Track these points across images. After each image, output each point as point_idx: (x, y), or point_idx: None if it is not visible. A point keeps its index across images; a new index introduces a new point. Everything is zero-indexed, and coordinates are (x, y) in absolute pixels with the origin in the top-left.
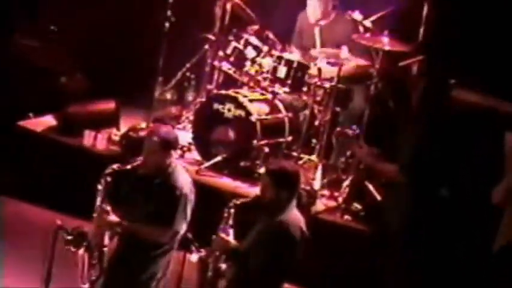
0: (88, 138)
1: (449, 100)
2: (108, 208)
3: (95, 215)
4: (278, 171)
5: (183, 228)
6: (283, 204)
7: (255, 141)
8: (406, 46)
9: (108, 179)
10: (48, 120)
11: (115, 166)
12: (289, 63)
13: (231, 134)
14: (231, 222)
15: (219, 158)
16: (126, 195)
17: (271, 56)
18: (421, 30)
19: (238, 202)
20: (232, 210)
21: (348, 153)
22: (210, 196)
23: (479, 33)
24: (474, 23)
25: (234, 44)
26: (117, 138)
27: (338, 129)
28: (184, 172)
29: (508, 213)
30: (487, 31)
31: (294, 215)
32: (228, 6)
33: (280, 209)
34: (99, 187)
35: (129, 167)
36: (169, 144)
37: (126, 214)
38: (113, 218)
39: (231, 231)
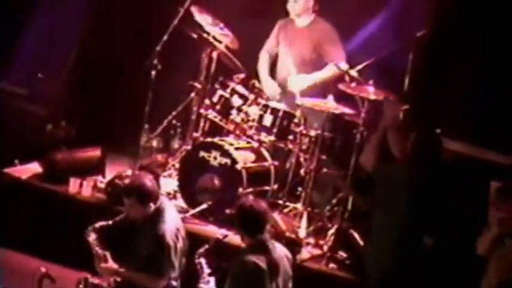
0: (73, 185)
1: (440, 150)
2: (108, 255)
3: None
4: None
5: (172, 276)
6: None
7: (240, 189)
8: (391, 95)
9: (93, 235)
10: (34, 168)
11: (97, 225)
12: (275, 111)
13: (217, 181)
14: (207, 270)
15: (204, 206)
16: (118, 243)
17: (257, 104)
18: (406, 79)
19: (202, 250)
20: (202, 260)
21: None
22: (195, 244)
23: (463, 83)
24: (458, 73)
25: (220, 92)
26: (102, 185)
27: (324, 170)
28: (171, 218)
29: (492, 263)
30: (471, 81)
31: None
32: (214, 54)
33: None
34: (89, 240)
35: (111, 222)
36: (146, 197)
37: (121, 261)
38: (112, 264)
39: (211, 278)
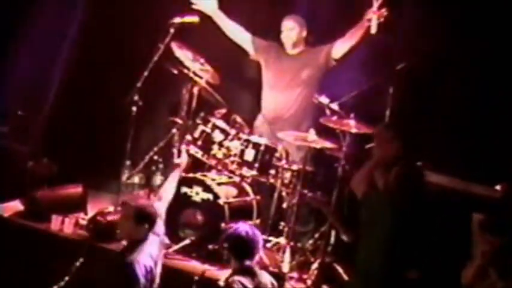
0: (55, 222)
1: (423, 182)
2: None
3: None
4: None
5: None
6: None
7: (223, 225)
8: (373, 129)
9: None
10: (16, 205)
11: None
12: (256, 146)
13: (199, 217)
14: None
15: (187, 241)
16: None
17: (239, 139)
18: (387, 112)
19: None
20: None
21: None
22: (178, 280)
23: (445, 115)
24: (439, 106)
25: (201, 127)
26: (84, 222)
27: (309, 194)
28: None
29: None
30: (452, 113)
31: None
32: (195, 90)
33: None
34: None
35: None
36: (144, 215)
37: None
38: None
39: None
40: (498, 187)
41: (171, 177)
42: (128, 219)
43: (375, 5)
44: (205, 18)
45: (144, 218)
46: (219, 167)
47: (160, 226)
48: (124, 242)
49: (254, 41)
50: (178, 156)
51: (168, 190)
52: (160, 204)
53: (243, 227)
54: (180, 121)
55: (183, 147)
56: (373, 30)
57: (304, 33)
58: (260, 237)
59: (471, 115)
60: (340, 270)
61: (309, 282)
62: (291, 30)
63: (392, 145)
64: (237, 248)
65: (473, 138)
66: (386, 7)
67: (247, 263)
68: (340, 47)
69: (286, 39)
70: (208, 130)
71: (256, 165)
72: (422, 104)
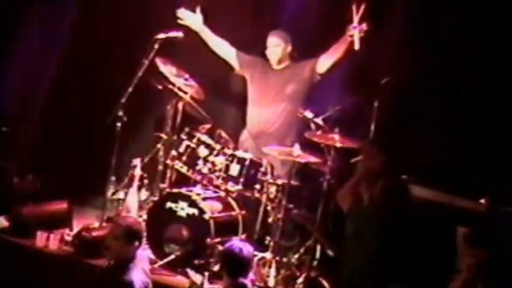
0: (40, 239)
1: (407, 196)
2: None
3: None
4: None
5: None
6: None
7: (208, 239)
8: (357, 143)
9: None
10: (1, 221)
11: None
12: (241, 161)
13: (185, 232)
14: None
15: (172, 257)
16: None
17: (224, 154)
18: (372, 126)
19: None
20: None
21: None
22: None
23: (429, 130)
24: (423, 120)
25: (186, 142)
26: (70, 238)
27: (294, 211)
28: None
29: None
30: (437, 127)
31: None
32: (180, 105)
33: None
34: None
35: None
36: (133, 234)
37: None
38: None
39: None
40: (482, 200)
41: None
42: (117, 239)
43: (355, 19)
44: (191, 33)
45: (134, 237)
46: (204, 182)
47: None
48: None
49: (239, 56)
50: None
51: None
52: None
53: (237, 244)
54: (165, 136)
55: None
56: (356, 46)
57: (289, 49)
58: (253, 253)
59: (456, 129)
60: (326, 284)
61: None
62: (276, 46)
63: (377, 159)
64: (230, 265)
65: (457, 152)
66: (366, 21)
67: (241, 280)
68: (324, 62)
69: (271, 55)
70: (193, 145)
71: (242, 180)
72: (407, 118)
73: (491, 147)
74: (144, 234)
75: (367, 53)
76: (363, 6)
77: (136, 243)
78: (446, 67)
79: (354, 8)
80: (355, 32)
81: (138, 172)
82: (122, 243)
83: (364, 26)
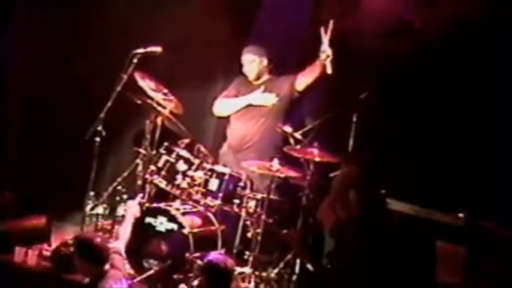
0: (19, 254)
1: (385, 211)
2: None
3: None
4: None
5: None
6: None
7: (188, 254)
8: (336, 157)
9: None
10: None
11: None
12: (220, 175)
13: (164, 247)
14: None
15: (152, 272)
16: None
17: (203, 168)
18: (351, 141)
19: None
20: None
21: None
22: None
23: (407, 144)
24: (402, 134)
25: (165, 157)
26: (48, 253)
27: (284, 231)
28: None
29: None
30: (415, 142)
31: None
32: (159, 120)
33: None
34: None
35: None
36: (86, 253)
37: None
38: None
39: None
40: (461, 215)
41: (127, 221)
42: (75, 260)
43: (325, 43)
44: (168, 48)
45: (86, 254)
46: (184, 197)
47: (119, 261)
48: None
49: (231, 94)
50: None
51: (124, 232)
52: (119, 243)
53: (219, 258)
54: (143, 151)
55: (139, 198)
56: (329, 70)
57: (265, 62)
58: (234, 267)
59: (434, 143)
60: None
61: None
62: (251, 62)
63: (355, 174)
64: (212, 278)
65: (436, 166)
66: (334, 45)
67: None
68: (301, 81)
69: (248, 72)
70: (172, 160)
71: (221, 194)
72: (386, 132)
73: (470, 161)
74: (115, 254)
75: (345, 68)
76: (330, 29)
77: (102, 263)
78: (427, 84)
79: (322, 31)
80: (326, 58)
81: (134, 210)
82: (86, 263)
83: (329, 52)
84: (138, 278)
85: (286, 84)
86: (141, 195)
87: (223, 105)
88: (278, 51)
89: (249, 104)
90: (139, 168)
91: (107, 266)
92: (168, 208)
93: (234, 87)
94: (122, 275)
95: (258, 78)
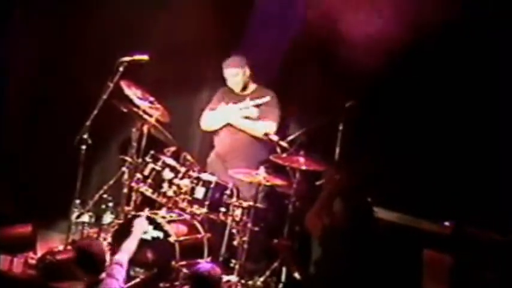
0: (4, 262)
1: (371, 219)
2: None
3: None
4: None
5: None
6: None
7: (174, 262)
8: (322, 165)
9: None
10: None
11: None
12: (207, 183)
13: (150, 255)
14: None
15: (137, 280)
16: None
17: (189, 176)
18: (337, 149)
19: None
20: None
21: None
22: None
23: (394, 153)
24: (388, 143)
25: (151, 165)
26: (34, 262)
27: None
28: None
29: None
30: (402, 151)
31: None
32: (145, 128)
33: None
34: None
35: None
36: (82, 261)
37: None
38: None
39: None
40: (447, 223)
41: (134, 236)
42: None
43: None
44: (155, 56)
45: (85, 262)
46: (170, 205)
47: (119, 271)
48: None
49: (216, 105)
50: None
51: (130, 246)
52: (123, 255)
53: (205, 266)
54: (129, 159)
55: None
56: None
57: (248, 72)
58: (221, 275)
59: (421, 152)
60: None
61: None
62: (235, 76)
63: (341, 182)
64: (199, 287)
65: (423, 175)
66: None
67: None
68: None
69: (233, 85)
70: (158, 168)
71: (207, 202)
72: (372, 141)
73: (456, 170)
74: (113, 262)
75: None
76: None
77: (98, 272)
78: (414, 92)
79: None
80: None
81: (143, 226)
82: (82, 271)
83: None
84: (125, 287)
85: (270, 95)
86: (147, 209)
87: (210, 120)
88: (264, 60)
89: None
90: (125, 176)
91: (103, 275)
92: (154, 216)
93: (219, 98)
94: (118, 285)
95: (244, 89)
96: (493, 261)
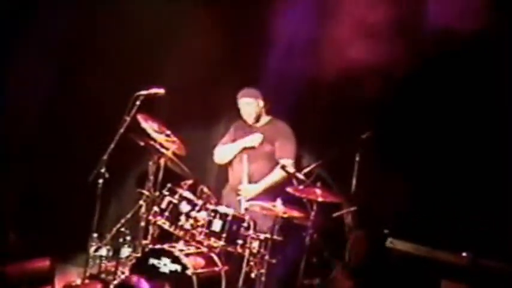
0: None
1: (384, 250)
2: None
3: None
4: None
5: None
6: None
7: None
8: (339, 197)
9: None
10: None
11: None
12: (224, 216)
13: None
14: None
15: None
16: None
17: (206, 209)
18: (353, 181)
19: None
20: None
21: None
22: None
23: (410, 184)
24: (403, 174)
25: (168, 198)
26: None
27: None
28: None
29: None
30: (417, 182)
31: None
32: (162, 161)
33: None
34: None
35: None
36: None
37: None
38: None
39: None
40: (464, 254)
41: None
42: None
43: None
44: (171, 90)
45: None
46: (187, 238)
47: None
48: None
49: (228, 141)
50: None
51: None
52: None
53: None
54: (147, 192)
55: None
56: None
57: (262, 103)
58: None
59: (437, 182)
60: None
61: None
62: (248, 105)
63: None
64: None
65: (439, 206)
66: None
67: None
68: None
69: (246, 116)
70: (175, 201)
71: (224, 235)
72: (388, 172)
73: (473, 201)
74: None
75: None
76: None
77: None
78: (426, 121)
79: None
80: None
81: None
82: None
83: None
84: None
85: (284, 129)
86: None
87: (221, 153)
88: (280, 94)
89: (243, 147)
90: (143, 209)
91: None
92: (172, 249)
93: (232, 132)
94: None
95: (257, 120)
96: None
